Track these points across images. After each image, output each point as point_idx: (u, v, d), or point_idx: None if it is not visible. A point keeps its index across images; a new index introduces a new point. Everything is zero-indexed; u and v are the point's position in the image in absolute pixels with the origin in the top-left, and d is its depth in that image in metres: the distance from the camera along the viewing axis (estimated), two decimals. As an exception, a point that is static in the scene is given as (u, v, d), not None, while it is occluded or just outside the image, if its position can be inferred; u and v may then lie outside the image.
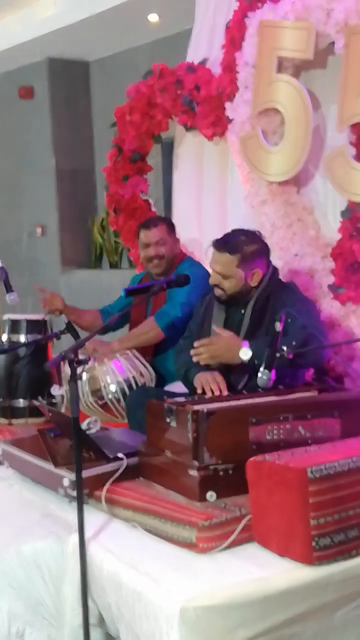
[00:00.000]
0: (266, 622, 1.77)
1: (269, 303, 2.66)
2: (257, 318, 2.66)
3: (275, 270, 2.77)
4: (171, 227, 3.36)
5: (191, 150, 3.81)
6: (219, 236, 2.75)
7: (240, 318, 2.72)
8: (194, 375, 2.66)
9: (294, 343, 2.38)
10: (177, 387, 2.99)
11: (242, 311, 2.73)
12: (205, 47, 3.70)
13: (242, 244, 2.66)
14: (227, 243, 2.68)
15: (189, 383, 2.73)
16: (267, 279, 2.70)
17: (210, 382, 2.56)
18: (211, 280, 2.72)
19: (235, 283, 2.67)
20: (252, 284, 2.68)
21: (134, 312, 3.36)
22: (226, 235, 2.74)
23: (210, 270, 2.77)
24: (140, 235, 3.34)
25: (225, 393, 2.53)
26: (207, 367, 2.70)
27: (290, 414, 2.20)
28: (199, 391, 2.57)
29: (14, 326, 3.21)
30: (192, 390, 2.66)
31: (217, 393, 2.52)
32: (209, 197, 3.73)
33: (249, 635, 1.76)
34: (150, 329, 3.16)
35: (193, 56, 3.72)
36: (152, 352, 3.24)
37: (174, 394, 2.79)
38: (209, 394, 2.52)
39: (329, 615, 1.87)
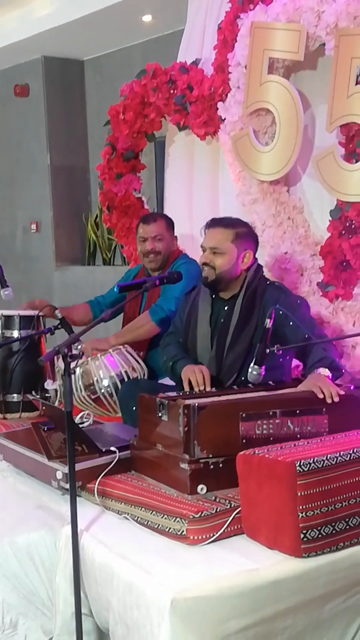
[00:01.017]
0: (257, 613, 1.80)
1: (256, 301, 2.68)
2: (245, 316, 2.67)
3: (259, 266, 2.80)
4: (170, 224, 3.38)
5: (182, 148, 3.83)
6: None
7: (227, 316, 2.72)
8: (181, 368, 2.68)
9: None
10: (169, 381, 3.02)
11: (226, 307, 2.74)
12: (197, 47, 3.72)
13: (236, 222, 2.76)
14: (223, 219, 2.77)
15: (176, 376, 2.75)
16: (253, 270, 2.73)
17: (196, 374, 2.58)
18: (201, 259, 2.73)
19: (227, 260, 2.68)
20: (242, 266, 2.69)
21: (128, 306, 3.38)
22: (221, 217, 2.82)
23: (200, 252, 2.78)
24: (139, 229, 3.36)
25: (209, 388, 2.56)
26: (195, 361, 2.73)
27: (280, 410, 2.24)
28: (185, 383, 2.59)
29: (7, 322, 3.24)
30: (179, 383, 2.68)
31: (201, 386, 2.55)
32: (201, 195, 3.76)
33: (239, 627, 1.78)
34: (144, 323, 3.18)
35: (184, 56, 3.75)
36: (146, 347, 3.27)
37: (167, 386, 2.82)
38: (196, 388, 2.55)
39: (319, 609, 1.90)
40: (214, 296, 2.79)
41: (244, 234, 2.73)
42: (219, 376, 2.67)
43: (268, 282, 2.76)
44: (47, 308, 3.27)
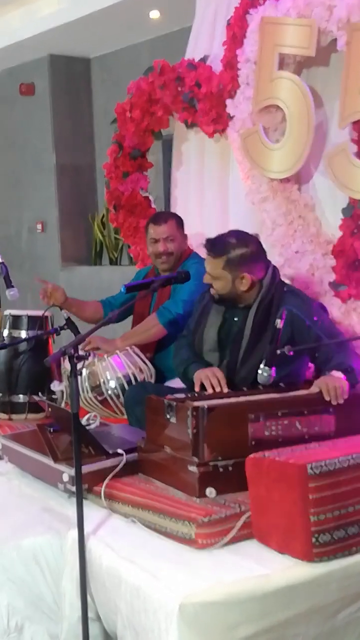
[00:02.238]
0: (267, 620, 1.78)
1: (272, 309, 2.59)
2: (259, 327, 2.59)
3: (275, 274, 2.69)
4: (180, 223, 3.34)
5: (192, 147, 3.80)
6: (217, 234, 2.73)
7: (238, 329, 2.65)
8: (193, 372, 2.63)
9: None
10: (177, 383, 2.99)
11: (235, 318, 2.67)
12: (205, 44, 3.69)
13: (229, 247, 2.61)
14: (214, 245, 2.64)
15: (188, 380, 2.71)
16: (266, 283, 2.64)
17: (210, 378, 2.54)
18: (205, 279, 2.70)
19: (223, 285, 2.63)
20: (241, 288, 2.61)
21: (137, 307, 3.36)
22: (217, 237, 2.68)
23: None
24: (149, 230, 3.31)
25: (226, 389, 2.51)
26: (207, 364, 2.69)
27: (288, 410, 2.22)
28: (197, 388, 2.54)
29: (15, 322, 3.22)
30: (191, 387, 2.63)
31: (217, 389, 2.50)
32: (210, 193, 3.73)
33: (249, 633, 1.76)
34: (152, 326, 3.16)
35: (192, 53, 3.71)
36: (153, 349, 3.24)
37: (173, 390, 2.79)
38: (209, 390, 2.51)
39: (332, 617, 1.87)
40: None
41: (238, 257, 2.58)
42: (231, 388, 2.58)
43: (285, 289, 2.67)
44: (59, 293, 3.24)
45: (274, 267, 2.74)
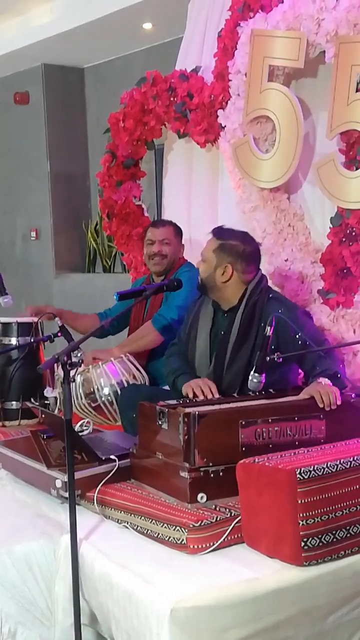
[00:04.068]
0: (257, 623, 1.79)
1: (255, 315, 2.64)
2: (244, 332, 2.64)
3: (261, 280, 2.74)
4: (178, 232, 3.40)
5: (182, 156, 3.84)
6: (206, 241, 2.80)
7: (226, 331, 2.69)
8: (182, 383, 2.65)
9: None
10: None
11: (226, 323, 2.69)
12: (196, 55, 3.73)
13: (229, 235, 2.73)
14: (221, 229, 2.77)
15: (176, 391, 2.72)
16: (251, 288, 2.68)
17: (201, 386, 2.56)
18: (196, 263, 2.77)
19: (205, 268, 2.70)
20: (219, 279, 2.67)
21: (132, 317, 3.38)
22: (228, 227, 2.80)
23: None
24: (148, 233, 3.39)
25: (217, 396, 2.54)
26: (196, 376, 2.70)
27: (278, 416, 2.24)
28: (190, 397, 2.56)
29: (5, 329, 3.24)
30: (179, 397, 2.62)
31: (209, 396, 2.53)
32: (199, 202, 3.77)
33: (240, 636, 1.77)
34: (148, 333, 3.18)
35: (183, 63, 3.75)
36: (147, 356, 3.27)
37: (167, 391, 2.81)
38: (200, 397, 2.53)
39: (321, 620, 1.89)
40: (214, 308, 2.77)
41: (230, 247, 2.67)
42: (219, 392, 2.61)
43: (270, 295, 2.70)
44: (47, 315, 3.26)
45: (263, 275, 2.79)
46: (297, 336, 2.49)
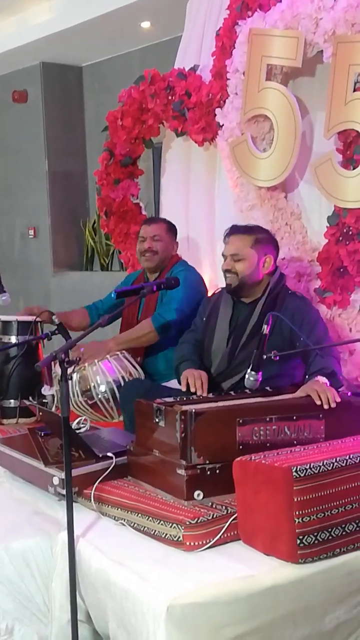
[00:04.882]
0: (254, 620, 1.80)
1: (276, 307, 2.69)
2: (259, 323, 2.64)
3: (282, 274, 2.83)
4: (171, 229, 3.42)
5: (179, 154, 3.85)
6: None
7: (246, 316, 2.76)
8: (183, 370, 2.73)
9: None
10: (170, 384, 3.03)
11: (247, 311, 2.77)
12: (194, 54, 3.74)
13: (256, 228, 2.82)
14: (242, 226, 2.82)
15: (177, 376, 2.79)
16: (277, 276, 2.77)
17: (195, 377, 2.62)
18: (223, 267, 2.78)
19: (247, 265, 2.72)
20: (263, 271, 2.74)
21: (126, 311, 3.40)
22: (241, 224, 2.87)
23: (222, 260, 2.82)
24: (141, 230, 3.42)
25: (204, 394, 2.57)
26: (200, 365, 2.76)
27: (276, 415, 2.24)
28: (183, 384, 2.63)
29: (5, 327, 3.24)
30: (179, 381, 2.72)
31: (199, 392, 2.57)
32: (197, 200, 3.78)
33: (236, 634, 1.78)
34: (147, 332, 3.19)
35: (181, 62, 3.76)
36: (143, 353, 3.28)
37: (167, 388, 2.83)
38: (192, 389, 2.58)
39: (319, 619, 1.89)
40: (235, 300, 2.82)
41: (264, 239, 2.78)
42: (227, 371, 2.69)
43: (290, 292, 2.79)
44: (44, 313, 3.27)
45: (281, 271, 2.86)
46: (311, 331, 2.55)
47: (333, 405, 2.31)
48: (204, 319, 2.89)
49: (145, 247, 3.34)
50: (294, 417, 2.27)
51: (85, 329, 3.16)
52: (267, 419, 2.23)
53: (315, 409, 2.31)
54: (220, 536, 1.99)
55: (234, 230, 2.80)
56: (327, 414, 2.31)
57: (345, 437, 2.23)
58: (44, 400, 3.19)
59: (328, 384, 2.40)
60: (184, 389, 2.63)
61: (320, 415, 2.30)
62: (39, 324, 3.27)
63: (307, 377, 2.54)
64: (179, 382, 2.73)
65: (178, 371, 2.79)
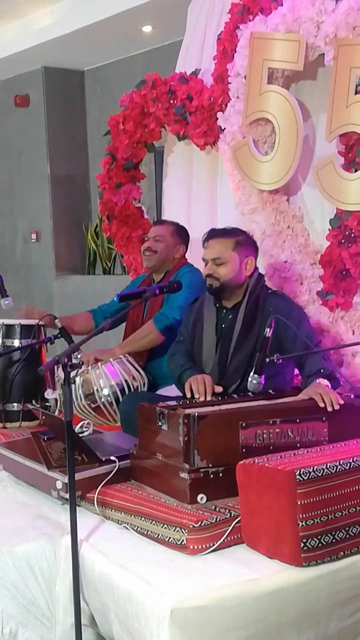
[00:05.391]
0: (258, 624, 1.79)
1: (258, 309, 2.70)
2: (248, 323, 2.70)
3: (260, 275, 2.83)
4: (179, 232, 3.42)
5: (181, 158, 3.85)
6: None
7: (230, 322, 2.75)
8: (187, 377, 2.69)
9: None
10: (170, 391, 3.02)
11: (230, 316, 2.76)
12: (196, 58, 3.74)
13: (235, 231, 2.81)
14: (222, 229, 2.82)
15: (182, 385, 2.75)
16: (255, 278, 2.77)
17: (198, 382, 2.59)
18: (204, 271, 2.77)
19: (230, 269, 2.70)
20: (245, 273, 2.73)
21: (130, 315, 3.40)
22: (221, 228, 2.86)
23: (202, 265, 2.80)
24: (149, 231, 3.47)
25: (209, 397, 2.55)
26: (201, 371, 2.73)
27: (279, 418, 2.24)
28: (187, 391, 2.60)
29: (8, 331, 3.25)
30: (185, 391, 2.67)
31: (202, 398, 2.54)
32: (199, 204, 3.78)
33: (240, 637, 1.78)
34: (149, 333, 3.19)
35: (182, 66, 3.77)
36: (146, 357, 3.28)
37: (167, 398, 2.82)
38: (196, 395, 2.55)
39: (324, 625, 1.89)
40: (217, 305, 2.80)
41: (244, 241, 2.78)
42: (222, 382, 2.67)
43: (270, 291, 2.79)
44: (47, 317, 3.27)
45: (259, 271, 2.85)
46: (297, 336, 2.53)
47: (337, 407, 2.30)
48: (189, 328, 2.87)
49: (146, 246, 3.37)
50: (297, 420, 2.27)
51: (89, 333, 3.17)
52: (270, 422, 2.23)
53: (319, 411, 2.30)
54: (223, 539, 1.99)
55: (214, 234, 2.78)
56: (330, 417, 2.30)
57: (348, 440, 2.24)
58: (47, 404, 3.19)
59: (330, 387, 2.39)
60: (188, 395, 2.60)
61: (324, 418, 2.30)
62: (42, 327, 3.28)
63: (307, 378, 2.52)
64: (182, 392, 2.72)
65: (182, 380, 2.75)
